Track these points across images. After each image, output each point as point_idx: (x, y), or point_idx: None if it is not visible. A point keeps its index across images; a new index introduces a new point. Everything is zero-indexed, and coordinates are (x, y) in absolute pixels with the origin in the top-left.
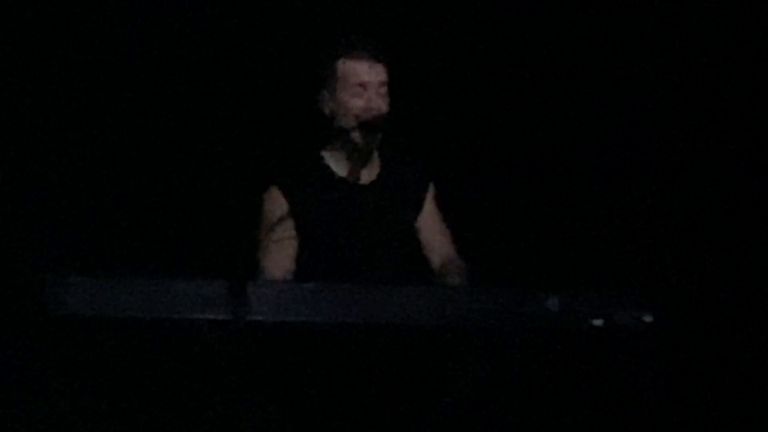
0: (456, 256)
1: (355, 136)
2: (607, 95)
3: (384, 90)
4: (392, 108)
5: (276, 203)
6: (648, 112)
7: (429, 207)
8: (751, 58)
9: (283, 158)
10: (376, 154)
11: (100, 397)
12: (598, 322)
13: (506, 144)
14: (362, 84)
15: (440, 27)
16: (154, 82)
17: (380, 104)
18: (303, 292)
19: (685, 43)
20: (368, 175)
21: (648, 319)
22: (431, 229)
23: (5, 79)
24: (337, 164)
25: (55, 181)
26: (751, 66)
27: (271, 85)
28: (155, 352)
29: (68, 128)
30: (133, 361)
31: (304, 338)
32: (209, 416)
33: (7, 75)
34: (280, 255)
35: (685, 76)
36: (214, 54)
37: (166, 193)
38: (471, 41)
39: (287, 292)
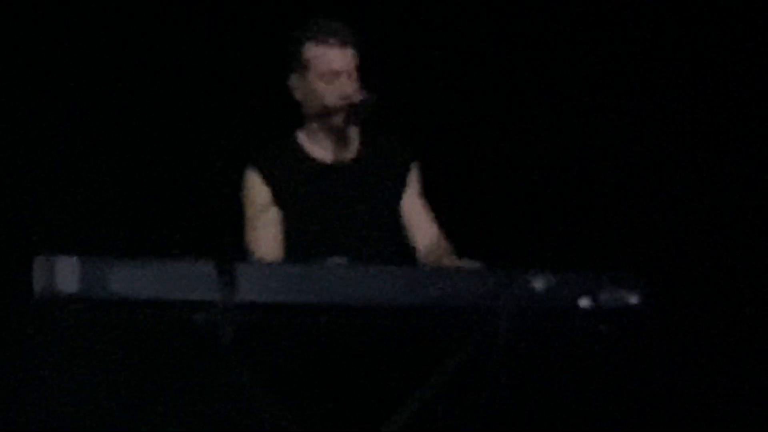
0: (442, 236)
1: (328, 120)
2: (591, 82)
3: (355, 75)
4: (370, 88)
5: (256, 188)
6: (631, 100)
7: (413, 187)
8: (750, 57)
9: (260, 141)
10: (355, 134)
11: (88, 378)
12: (584, 303)
13: (492, 123)
14: (333, 71)
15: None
16: (136, 67)
17: (352, 90)
18: (288, 272)
19: (682, 42)
20: (346, 155)
21: (634, 300)
22: (415, 209)
23: None
24: (312, 146)
25: (41, 162)
26: (750, 66)
27: (246, 67)
28: (143, 333)
29: (53, 110)
30: (121, 343)
31: (290, 319)
32: (197, 396)
33: None
34: (267, 238)
35: (657, 63)
36: (188, 38)
37: (152, 175)
38: (453, 20)
39: (274, 273)
